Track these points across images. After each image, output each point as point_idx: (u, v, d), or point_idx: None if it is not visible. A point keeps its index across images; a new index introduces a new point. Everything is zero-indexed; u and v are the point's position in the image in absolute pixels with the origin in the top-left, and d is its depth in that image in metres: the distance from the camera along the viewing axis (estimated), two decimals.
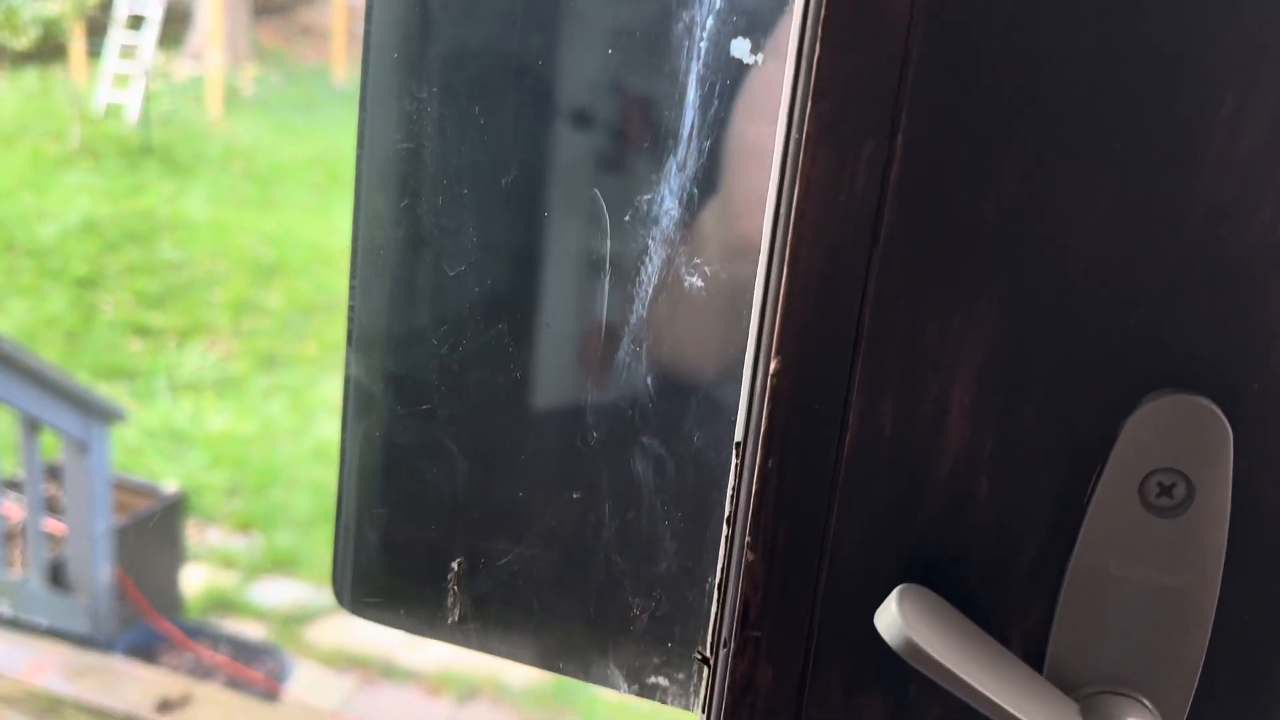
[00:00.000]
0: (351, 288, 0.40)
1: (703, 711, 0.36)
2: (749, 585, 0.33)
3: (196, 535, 3.80)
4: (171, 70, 7.52)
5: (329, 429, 4.75)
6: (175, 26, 7.57)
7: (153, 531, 3.12)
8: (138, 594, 3.01)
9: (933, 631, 0.29)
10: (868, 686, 0.33)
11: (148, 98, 6.69)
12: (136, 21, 6.89)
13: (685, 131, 0.35)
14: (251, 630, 3.30)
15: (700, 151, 0.35)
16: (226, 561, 3.78)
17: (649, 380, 0.37)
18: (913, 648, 0.28)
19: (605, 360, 0.38)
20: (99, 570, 2.93)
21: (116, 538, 2.96)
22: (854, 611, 0.33)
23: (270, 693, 2.86)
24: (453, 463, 0.40)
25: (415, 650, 3.40)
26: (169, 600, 3.16)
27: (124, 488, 3.16)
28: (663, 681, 0.39)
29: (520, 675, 3.28)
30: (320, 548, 3.97)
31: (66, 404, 2.76)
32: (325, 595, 3.71)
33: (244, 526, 4.04)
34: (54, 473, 3.16)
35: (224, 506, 4.17)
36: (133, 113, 6.67)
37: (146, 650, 2.90)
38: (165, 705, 2.42)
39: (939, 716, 0.33)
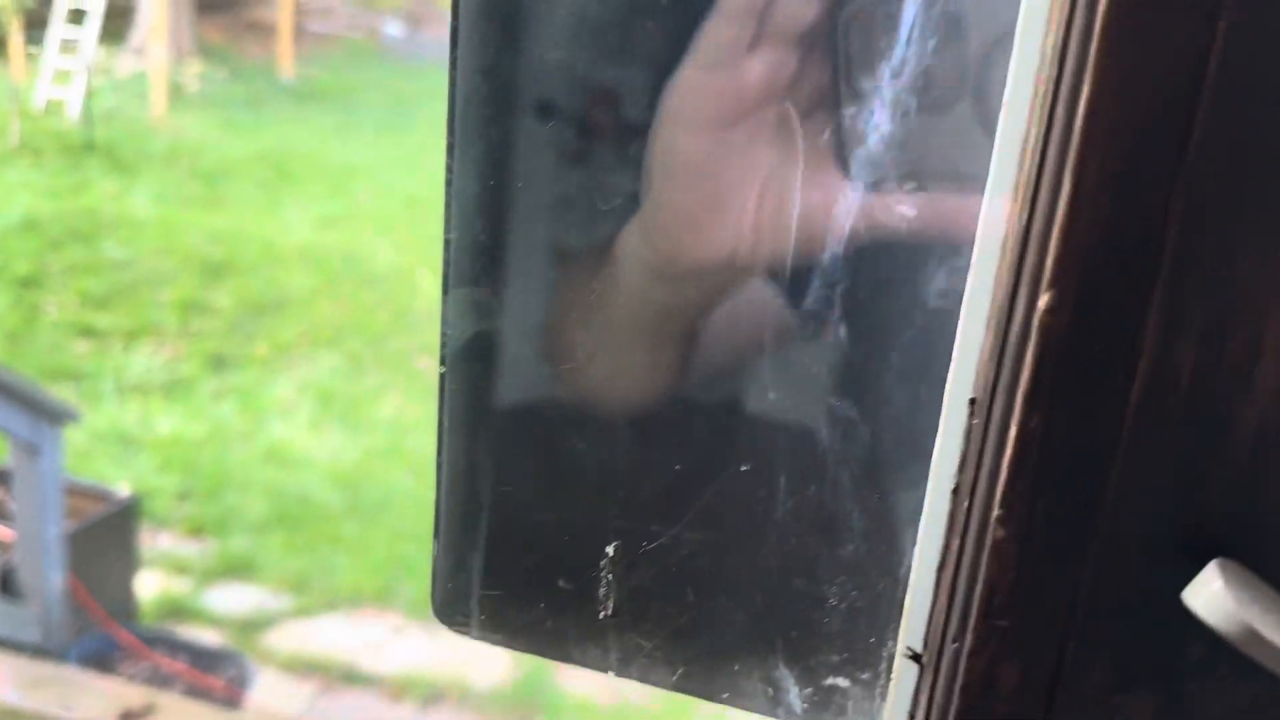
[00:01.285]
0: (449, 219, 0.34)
1: (910, 718, 0.31)
2: (996, 568, 0.28)
3: (148, 541, 3.70)
4: (114, 66, 7.34)
5: (281, 430, 4.67)
6: (117, 22, 7.39)
7: (106, 536, 3.02)
8: (91, 601, 2.91)
9: (1259, 610, 0.24)
10: (1135, 682, 0.28)
11: (89, 94, 6.51)
12: (78, 16, 6.71)
13: (904, 30, 0.29)
14: (209, 637, 3.21)
15: (921, 54, 0.29)
16: (180, 567, 3.68)
17: (842, 330, 0.32)
18: (1247, 630, 0.24)
19: (791, 306, 0.32)
20: (51, 577, 2.83)
21: (68, 543, 2.86)
22: (1127, 594, 0.28)
23: (232, 700, 2.78)
24: (599, 432, 0.34)
25: (376, 654, 3.34)
26: (124, 607, 3.06)
27: (75, 492, 3.05)
28: (842, 683, 0.34)
29: (485, 678, 3.23)
30: (276, 551, 3.89)
31: (15, 404, 2.65)
32: (283, 600, 3.63)
33: (196, 531, 3.96)
34: (2, 478, 3.05)
35: (175, 511, 4.08)
36: (74, 109, 6.50)
37: (102, 659, 2.81)
38: (128, 716, 2.32)
39: (1219, 715, 0.28)
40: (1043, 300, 0.26)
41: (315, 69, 7.78)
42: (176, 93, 7.04)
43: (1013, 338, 0.27)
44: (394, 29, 8.61)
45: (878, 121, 0.31)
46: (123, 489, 3.27)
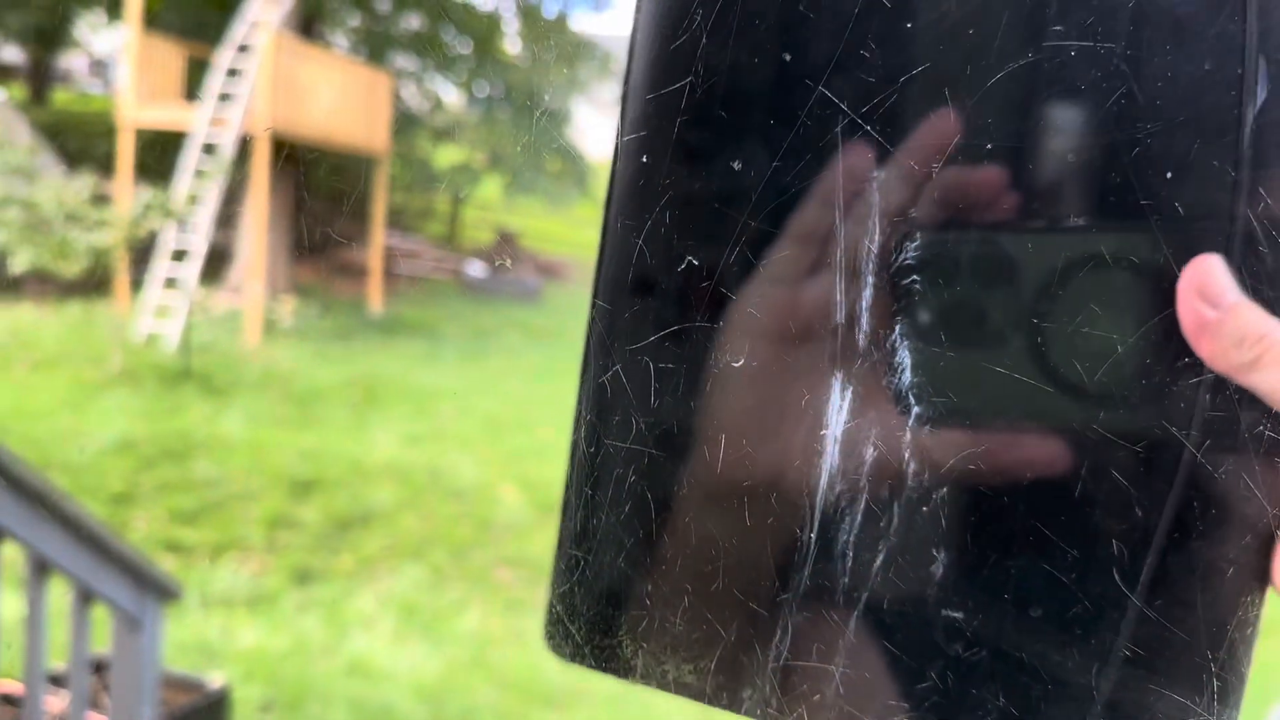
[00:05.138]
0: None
1: None
2: None
3: None
4: (211, 304, 7.67)
5: (364, 643, 4.60)
6: (216, 264, 7.77)
7: None
8: None
9: None
10: None
11: (187, 327, 6.79)
12: (181, 255, 7.07)
13: (955, 267, 0.31)
14: None
15: (973, 292, 0.31)
16: None
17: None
18: None
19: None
20: None
21: None
22: None
23: None
24: None
25: None
26: None
27: (167, 683, 3.00)
28: None
29: None
30: None
31: (120, 574, 2.65)
32: None
33: None
34: (96, 668, 3.01)
35: None
36: (172, 341, 6.77)
37: None
38: None
39: None
40: None
41: (402, 305, 8.08)
42: (270, 326, 7.31)
43: None
44: (475, 269, 8.98)
45: (925, 357, 0.31)
46: (215, 679, 3.22)
